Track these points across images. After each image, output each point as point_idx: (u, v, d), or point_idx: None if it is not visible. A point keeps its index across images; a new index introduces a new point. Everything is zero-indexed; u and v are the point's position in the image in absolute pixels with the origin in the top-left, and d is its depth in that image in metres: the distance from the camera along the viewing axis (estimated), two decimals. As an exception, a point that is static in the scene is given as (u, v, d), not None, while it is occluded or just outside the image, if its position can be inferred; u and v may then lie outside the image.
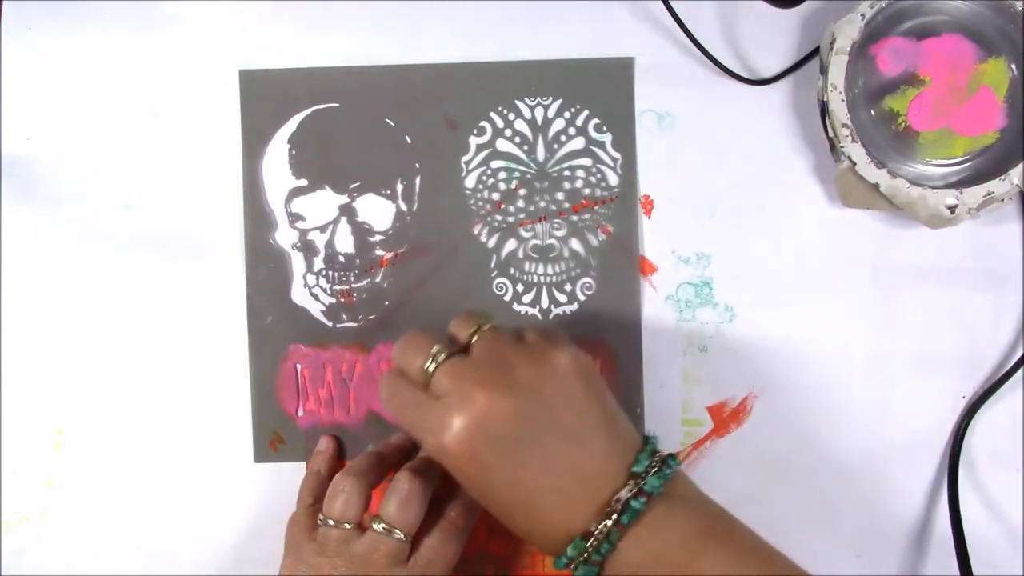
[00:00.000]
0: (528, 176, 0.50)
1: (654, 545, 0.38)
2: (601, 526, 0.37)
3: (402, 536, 0.42)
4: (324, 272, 0.50)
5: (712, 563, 0.37)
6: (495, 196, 0.50)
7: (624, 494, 0.38)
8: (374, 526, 0.43)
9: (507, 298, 0.50)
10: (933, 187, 0.46)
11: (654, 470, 0.38)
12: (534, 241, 0.50)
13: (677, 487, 0.39)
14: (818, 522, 0.49)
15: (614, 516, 0.37)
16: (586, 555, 0.38)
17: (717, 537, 0.38)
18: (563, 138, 0.50)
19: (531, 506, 0.39)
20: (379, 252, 0.50)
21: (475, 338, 0.41)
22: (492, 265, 0.50)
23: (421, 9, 0.50)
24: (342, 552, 0.43)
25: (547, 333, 0.42)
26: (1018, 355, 0.48)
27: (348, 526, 0.43)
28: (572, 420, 0.39)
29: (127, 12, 0.50)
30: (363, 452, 0.48)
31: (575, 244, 0.50)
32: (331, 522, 0.43)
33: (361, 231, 0.50)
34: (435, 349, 0.40)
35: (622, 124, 0.49)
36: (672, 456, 0.40)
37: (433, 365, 0.40)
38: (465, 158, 0.50)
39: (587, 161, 0.49)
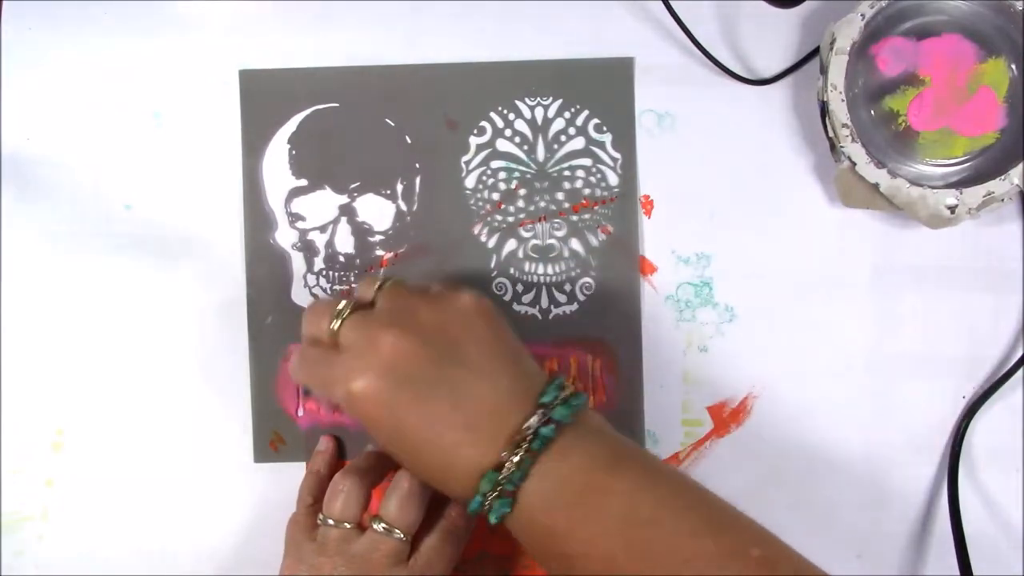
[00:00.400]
0: (528, 176, 0.50)
1: (565, 470, 0.38)
2: (512, 455, 0.38)
3: (402, 536, 0.42)
4: (324, 272, 0.50)
5: (622, 480, 0.38)
6: (495, 196, 0.50)
7: (534, 422, 0.38)
8: (374, 526, 0.43)
9: (507, 298, 0.50)
10: (933, 187, 0.46)
11: (561, 400, 0.39)
12: (534, 241, 0.50)
13: (586, 419, 0.40)
14: (818, 522, 0.49)
15: (524, 445, 0.38)
16: (499, 488, 0.38)
17: (626, 458, 0.39)
18: (563, 138, 0.50)
19: (442, 444, 0.39)
20: (379, 252, 0.50)
21: (378, 293, 0.42)
22: (492, 265, 0.50)
23: (421, 9, 0.50)
24: (342, 552, 0.43)
25: (449, 284, 0.43)
26: (1018, 355, 0.48)
27: (348, 526, 0.43)
28: (477, 356, 0.40)
29: (127, 12, 0.50)
30: (363, 452, 0.48)
31: (575, 244, 0.50)
32: (331, 522, 0.43)
33: (361, 231, 0.50)
34: (340, 306, 0.41)
35: (622, 124, 0.49)
36: (579, 392, 0.40)
37: (339, 322, 0.41)
38: (465, 158, 0.50)
39: (587, 161, 0.49)
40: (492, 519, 0.39)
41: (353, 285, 0.50)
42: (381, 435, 0.40)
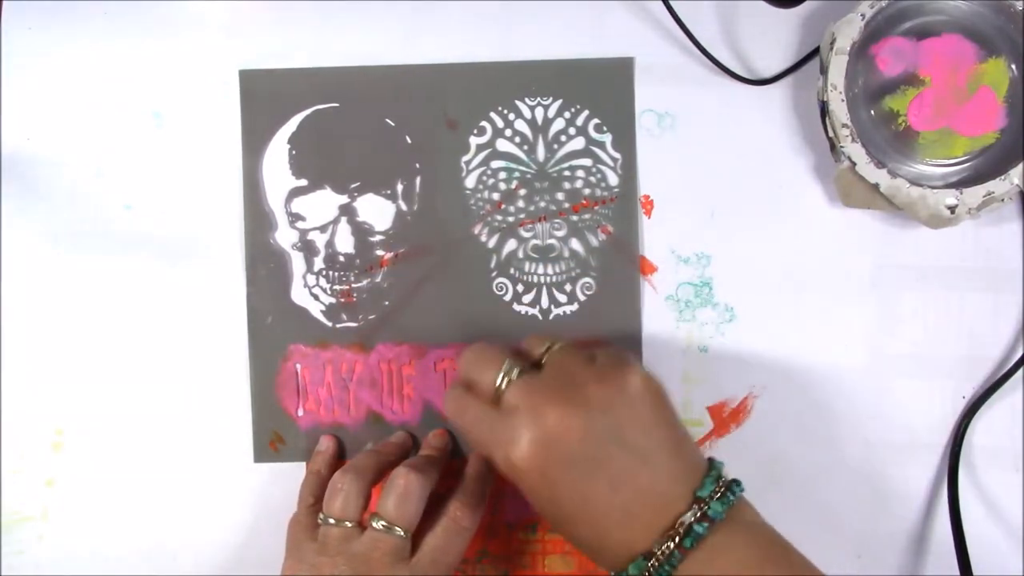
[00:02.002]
0: (528, 176, 0.50)
1: (713, 570, 0.38)
2: (663, 547, 0.38)
3: (402, 533, 0.42)
4: (324, 272, 0.50)
5: None
6: (495, 196, 0.50)
7: (688, 518, 0.38)
8: (373, 524, 0.43)
9: (507, 298, 0.50)
10: (933, 187, 0.46)
11: (718, 495, 0.39)
12: (534, 241, 0.50)
13: (739, 513, 0.39)
14: (818, 522, 0.49)
15: (676, 539, 0.38)
16: (647, 575, 0.38)
17: (774, 564, 0.38)
18: (563, 138, 0.50)
19: (596, 524, 0.39)
20: (379, 252, 0.50)
21: (546, 356, 0.42)
22: (492, 265, 0.50)
23: (421, 9, 0.50)
24: (343, 551, 0.43)
25: (618, 354, 0.42)
26: (1018, 355, 0.48)
27: (348, 524, 0.43)
28: (640, 440, 0.39)
29: (127, 12, 0.50)
30: (362, 451, 0.48)
31: (575, 244, 0.50)
32: (331, 521, 0.43)
33: (361, 231, 0.50)
34: (507, 365, 0.41)
35: (622, 124, 0.49)
36: (736, 482, 0.40)
37: (505, 381, 0.41)
38: (465, 158, 0.50)
39: (587, 161, 0.49)
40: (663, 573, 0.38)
41: (353, 285, 0.50)
42: (536, 502, 0.40)
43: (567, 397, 0.39)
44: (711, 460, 0.41)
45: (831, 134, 0.46)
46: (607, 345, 0.43)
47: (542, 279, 0.50)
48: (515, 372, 0.41)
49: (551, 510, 0.40)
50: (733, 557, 0.38)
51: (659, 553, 0.38)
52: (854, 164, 0.46)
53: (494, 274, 0.50)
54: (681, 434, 0.41)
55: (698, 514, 0.38)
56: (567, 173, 0.50)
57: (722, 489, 0.39)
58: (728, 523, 0.39)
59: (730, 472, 0.41)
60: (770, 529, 0.40)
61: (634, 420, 0.39)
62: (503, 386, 0.41)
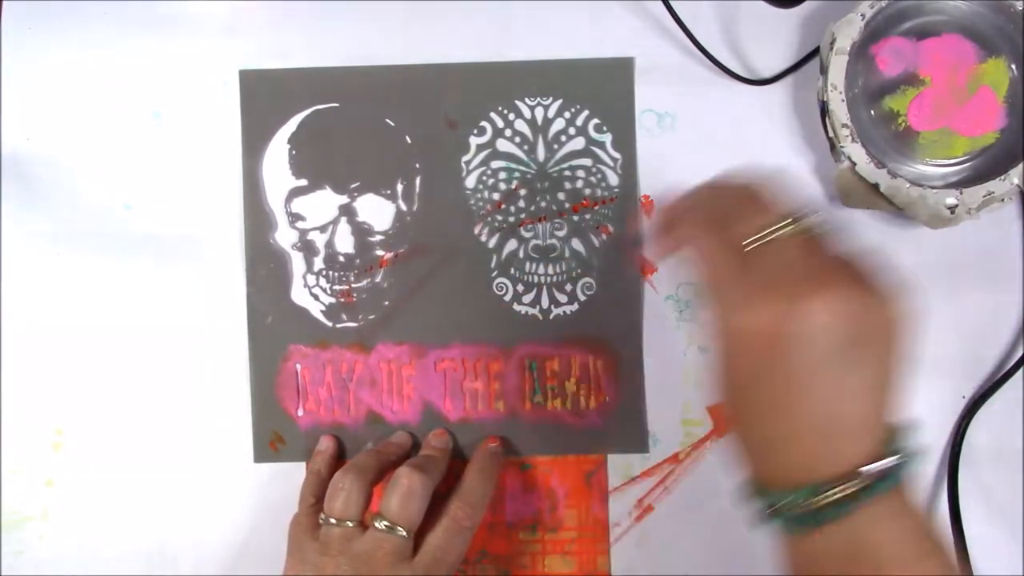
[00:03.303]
0: (528, 176, 0.50)
1: (872, 535, 0.34)
2: (842, 489, 0.34)
3: (404, 533, 0.42)
4: (324, 272, 0.50)
5: (928, 568, 0.35)
6: (495, 196, 0.50)
7: (875, 467, 0.34)
8: (376, 524, 0.43)
9: (507, 298, 0.50)
10: (933, 187, 0.46)
11: (907, 458, 0.35)
12: (535, 241, 0.50)
13: (907, 488, 0.36)
14: (818, 522, 0.49)
15: (859, 486, 0.34)
16: (810, 507, 0.34)
17: (930, 555, 0.35)
18: (563, 138, 0.50)
19: (784, 431, 0.35)
20: (379, 252, 0.50)
21: (817, 230, 0.37)
22: (492, 265, 0.50)
23: (421, 9, 0.50)
24: (345, 551, 0.43)
25: (887, 272, 0.37)
26: (1018, 355, 0.48)
27: (350, 524, 0.43)
28: (874, 369, 0.35)
29: (127, 12, 0.50)
30: (362, 451, 0.48)
31: (576, 244, 0.50)
32: (333, 521, 0.43)
33: (361, 231, 0.50)
34: (779, 221, 0.36)
35: (622, 124, 0.49)
36: (919, 454, 0.36)
37: (771, 236, 0.36)
38: (465, 158, 0.50)
39: (587, 161, 0.49)
40: (776, 523, 0.35)
41: (353, 285, 0.50)
42: (734, 379, 0.36)
43: (828, 289, 0.34)
44: (904, 424, 0.37)
45: (831, 134, 0.46)
46: None
47: (542, 279, 0.50)
48: (786, 230, 0.36)
49: (745, 395, 0.35)
50: (894, 531, 0.35)
51: (833, 493, 0.34)
52: (854, 164, 0.46)
53: (494, 274, 0.50)
54: (899, 384, 0.36)
55: (885, 470, 0.34)
56: (567, 173, 0.50)
57: (910, 453, 0.36)
58: (899, 493, 0.35)
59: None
60: (925, 516, 0.37)
61: (879, 345, 0.35)
62: (767, 239, 0.35)
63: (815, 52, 0.48)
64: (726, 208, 0.37)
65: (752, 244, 0.36)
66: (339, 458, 0.49)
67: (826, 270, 0.35)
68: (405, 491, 0.43)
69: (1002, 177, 0.45)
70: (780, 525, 0.35)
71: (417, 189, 0.50)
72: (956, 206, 0.45)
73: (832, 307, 0.34)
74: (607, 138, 0.49)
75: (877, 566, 0.34)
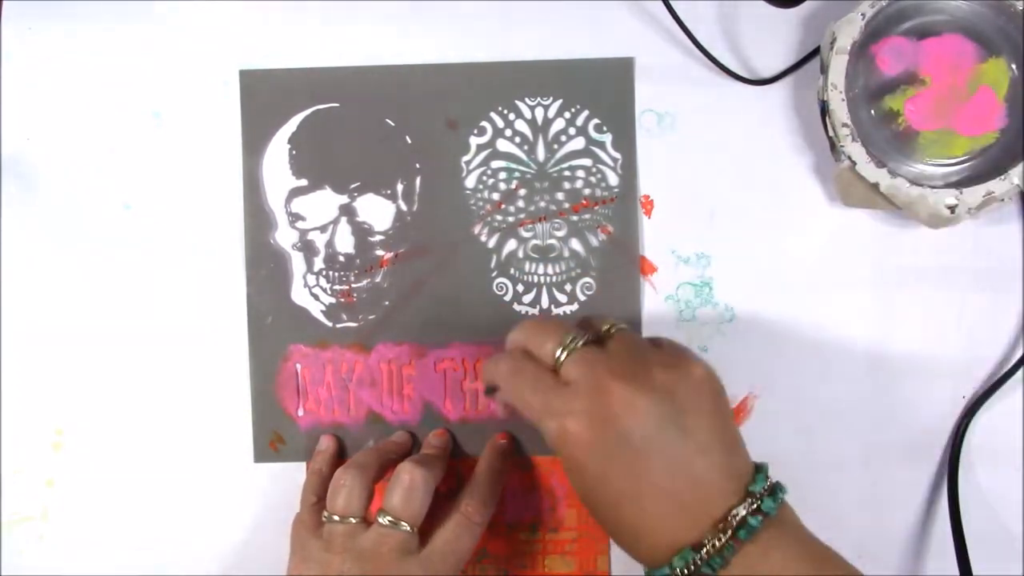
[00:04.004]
0: (528, 176, 0.50)
1: (763, 566, 0.37)
2: (715, 540, 0.37)
3: (408, 528, 0.43)
4: (324, 272, 0.50)
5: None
6: (495, 196, 0.50)
7: (742, 510, 0.37)
8: (380, 519, 0.43)
9: (507, 298, 0.50)
10: (933, 187, 0.46)
11: (768, 492, 0.38)
12: (534, 241, 0.50)
13: (786, 514, 0.39)
14: (818, 522, 0.49)
15: (729, 531, 0.37)
16: (692, 568, 0.37)
17: (824, 562, 0.38)
18: (563, 138, 0.50)
19: (643, 510, 0.38)
20: (379, 252, 0.50)
21: (612, 332, 0.41)
22: (492, 265, 0.50)
23: (421, 9, 0.50)
24: (349, 548, 0.43)
25: (680, 345, 0.42)
26: (1018, 355, 0.48)
27: (353, 520, 0.43)
28: (700, 430, 0.38)
29: (127, 12, 0.50)
30: (363, 448, 0.49)
31: (575, 244, 0.50)
32: (336, 518, 0.43)
33: (361, 231, 0.50)
34: (569, 336, 0.40)
35: (622, 124, 0.49)
36: (780, 484, 0.39)
37: (565, 352, 0.39)
38: (465, 158, 0.50)
39: (587, 161, 0.49)
40: (713, 568, 0.37)
41: (353, 285, 0.50)
42: (581, 481, 0.39)
43: (632, 374, 0.38)
44: (756, 463, 0.40)
45: (831, 134, 0.46)
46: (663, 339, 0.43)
47: (542, 279, 0.50)
48: (579, 342, 0.40)
49: (596, 490, 0.38)
50: (783, 554, 0.37)
51: (709, 545, 0.37)
52: (854, 164, 0.46)
53: (494, 274, 0.50)
54: (735, 431, 0.40)
55: (752, 508, 0.37)
56: (567, 173, 0.50)
57: (771, 487, 0.38)
58: (777, 521, 0.38)
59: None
60: (812, 534, 0.39)
61: (696, 409, 0.38)
62: (563, 357, 0.39)
63: (815, 52, 0.48)
64: (526, 346, 0.41)
65: (562, 355, 0.39)
66: (340, 458, 0.49)
67: (632, 360, 0.39)
68: (407, 486, 0.43)
69: (1002, 177, 0.45)
70: None
71: (417, 189, 0.50)
72: (956, 206, 0.45)
73: (645, 389, 0.38)
74: (607, 138, 0.49)
75: None
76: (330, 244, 0.50)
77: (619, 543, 0.40)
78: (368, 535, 0.43)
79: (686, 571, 0.37)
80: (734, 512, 0.37)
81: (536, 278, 0.50)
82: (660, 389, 0.38)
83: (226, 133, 0.50)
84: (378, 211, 0.50)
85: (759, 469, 0.39)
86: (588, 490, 0.39)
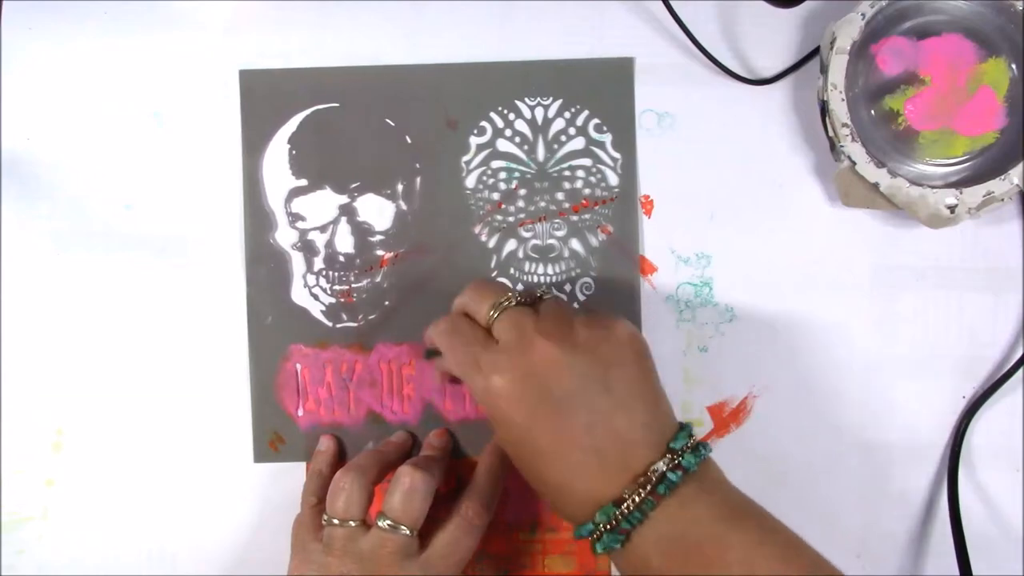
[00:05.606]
0: (528, 176, 0.50)
1: (683, 519, 0.38)
2: (634, 494, 0.38)
3: (407, 531, 0.42)
4: (324, 272, 0.50)
5: (739, 540, 0.37)
6: (495, 196, 0.50)
7: (661, 465, 0.38)
8: (379, 522, 0.43)
9: (507, 298, 0.50)
10: (933, 187, 0.46)
11: (690, 448, 0.39)
12: (534, 241, 0.50)
13: (709, 471, 0.40)
14: (818, 522, 0.49)
15: (649, 486, 0.38)
16: (614, 523, 0.38)
17: (744, 517, 0.39)
18: (563, 138, 0.50)
19: (567, 463, 0.39)
20: (379, 252, 0.50)
21: (544, 297, 0.43)
22: (492, 265, 0.50)
23: (421, 9, 0.50)
24: (349, 551, 0.43)
25: (609, 311, 0.43)
26: (1018, 355, 0.48)
27: (352, 524, 0.43)
28: (623, 387, 0.39)
29: (127, 12, 0.50)
30: (363, 450, 0.48)
31: (575, 244, 0.50)
32: (336, 521, 0.43)
33: (361, 231, 0.50)
34: (504, 298, 0.42)
35: (622, 124, 0.49)
36: (705, 443, 0.40)
37: (497, 312, 0.41)
38: (465, 158, 0.50)
39: (587, 161, 0.49)
40: (598, 549, 0.39)
41: (353, 285, 0.50)
42: (507, 435, 0.40)
43: (556, 332, 0.40)
44: (681, 423, 0.41)
45: (831, 134, 0.46)
46: None
47: (542, 279, 0.50)
48: (512, 303, 0.42)
49: (521, 446, 0.40)
50: (704, 508, 0.38)
51: (629, 500, 0.37)
52: (854, 163, 0.46)
53: (494, 274, 0.50)
54: (659, 390, 0.41)
55: (672, 463, 0.38)
56: (567, 173, 0.50)
57: (694, 444, 0.39)
58: (699, 477, 0.39)
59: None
60: (737, 489, 0.40)
61: (618, 365, 0.40)
62: (495, 316, 0.41)
63: (815, 52, 0.48)
64: (466, 308, 0.43)
65: (494, 314, 0.41)
66: (339, 458, 0.49)
67: (558, 319, 0.41)
68: (407, 489, 0.43)
69: (1002, 177, 0.45)
70: (604, 549, 0.38)
71: (417, 189, 0.50)
72: (956, 206, 0.45)
73: (568, 346, 0.39)
74: (607, 138, 0.49)
75: (697, 544, 0.37)
76: (330, 244, 0.50)
77: (548, 501, 0.41)
78: (368, 538, 0.43)
79: (608, 527, 0.38)
80: (654, 467, 0.38)
81: (536, 278, 0.50)
82: (583, 346, 0.40)
83: (226, 133, 0.50)
84: (378, 211, 0.50)
85: (683, 428, 0.40)
86: (513, 445, 0.40)
